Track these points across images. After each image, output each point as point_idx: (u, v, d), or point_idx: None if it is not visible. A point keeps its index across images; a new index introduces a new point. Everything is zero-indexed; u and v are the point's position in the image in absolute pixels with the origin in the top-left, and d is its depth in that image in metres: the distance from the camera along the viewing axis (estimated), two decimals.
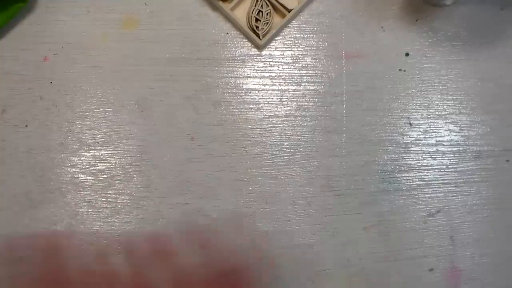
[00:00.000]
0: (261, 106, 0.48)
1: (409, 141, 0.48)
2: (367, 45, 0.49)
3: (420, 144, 0.48)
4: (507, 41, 0.50)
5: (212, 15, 0.50)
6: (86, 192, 0.46)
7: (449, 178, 0.48)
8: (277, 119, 0.48)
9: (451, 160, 0.48)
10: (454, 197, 0.48)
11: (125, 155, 0.47)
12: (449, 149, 0.48)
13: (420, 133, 0.49)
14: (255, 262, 0.46)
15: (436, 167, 0.48)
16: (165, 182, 0.47)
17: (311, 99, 0.49)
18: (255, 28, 0.48)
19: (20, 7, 0.48)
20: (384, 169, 0.48)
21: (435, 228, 0.47)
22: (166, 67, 0.48)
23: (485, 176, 0.48)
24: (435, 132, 0.49)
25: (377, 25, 0.50)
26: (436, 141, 0.49)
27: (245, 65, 0.49)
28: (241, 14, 0.49)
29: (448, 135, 0.49)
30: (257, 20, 0.48)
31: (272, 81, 0.49)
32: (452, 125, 0.49)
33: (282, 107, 0.48)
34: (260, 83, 0.49)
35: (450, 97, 0.49)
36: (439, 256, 0.47)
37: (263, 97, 0.48)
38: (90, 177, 0.47)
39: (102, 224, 0.46)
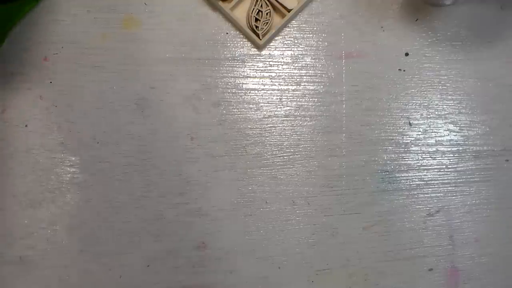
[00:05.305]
0: (261, 106, 0.48)
1: (409, 141, 0.48)
2: (367, 45, 0.49)
3: (419, 144, 0.48)
4: (507, 41, 0.50)
5: (212, 15, 0.50)
6: (86, 192, 0.46)
7: (449, 178, 0.48)
8: (277, 119, 0.48)
9: (451, 160, 0.48)
10: (453, 197, 0.48)
11: (125, 155, 0.47)
12: (449, 149, 0.48)
13: (419, 133, 0.49)
14: (255, 262, 0.46)
15: (435, 167, 0.48)
16: (165, 182, 0.47)
17: (310, 99, 0.49)
18: (254, 28, 0.48)
19: (33, 6, 0.48)
20: (383, 169, 0.48)
21: (434, 228, 0.47)
22: (166, 67, 0.48)
23: (484, 176, 0.48)
24: (435, 132, 0.49)
25: (377, 25, 0.50)
26: (435, 141, 0.49)
27: (245, 65, 0.49)
28: (240, 14, 0.49)
29: (448, 135, 0.49)
30: (256, 20, 0.48)
31: (271, 81, 0.49)
32: (452, 125, 0.49)
33: (282, 107, 0.48)
34: (259, 83, 0.49)
35: (449, 97, 0.49)
36: (439, 256, 0.47)
37: (263, 97, 0.49)
38: (90, 177, 0.47)
39: (102, 223, 0.46)
